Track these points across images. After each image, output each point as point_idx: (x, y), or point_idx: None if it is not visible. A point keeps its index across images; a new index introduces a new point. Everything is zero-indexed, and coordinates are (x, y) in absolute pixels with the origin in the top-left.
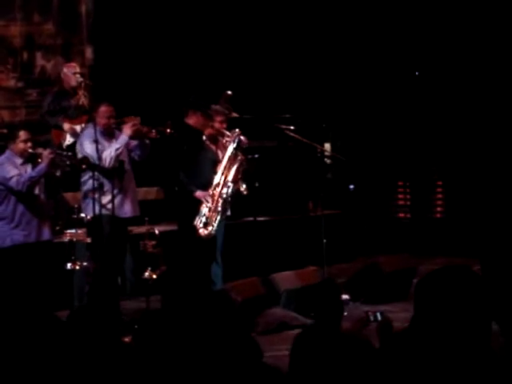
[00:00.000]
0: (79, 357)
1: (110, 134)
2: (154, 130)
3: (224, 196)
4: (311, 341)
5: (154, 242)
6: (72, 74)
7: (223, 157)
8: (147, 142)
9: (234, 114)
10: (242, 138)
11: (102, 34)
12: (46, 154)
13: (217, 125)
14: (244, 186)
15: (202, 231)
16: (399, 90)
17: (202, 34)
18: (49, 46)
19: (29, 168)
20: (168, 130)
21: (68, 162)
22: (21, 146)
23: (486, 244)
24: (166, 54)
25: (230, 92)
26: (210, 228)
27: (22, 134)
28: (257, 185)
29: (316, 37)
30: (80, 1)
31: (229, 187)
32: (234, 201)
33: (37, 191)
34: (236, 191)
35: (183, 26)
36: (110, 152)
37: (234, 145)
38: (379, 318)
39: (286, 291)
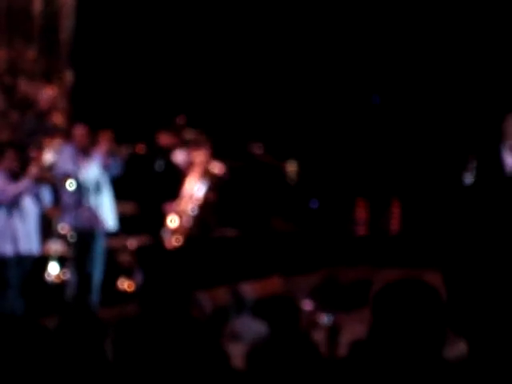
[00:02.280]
0: (67, 365)
1: (85, 152)
2: (126, 149)
3: (190, 212)
4: (265, 352)
5: (130, 255)
6: (48, 96)
7: (194, 173)
8: (121, 159)
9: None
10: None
11: (83, 58)
12: (33, 169)
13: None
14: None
15: (169, 243)
16: (359, 112)
17: (175, 59)
18: (31, 71)
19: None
20: (140, 151)
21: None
22: (8, 163)
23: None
24: (143, 77)
25: (182, 120)
26: (176, 241)
27: (10, 152)
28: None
29: (276, 61)
30: (60, 28)
31: (196, 204)
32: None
33: (27, 205)
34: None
35: (157, 52)
36: (86, 169)
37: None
38: (329, 320)
39: (253, 300)
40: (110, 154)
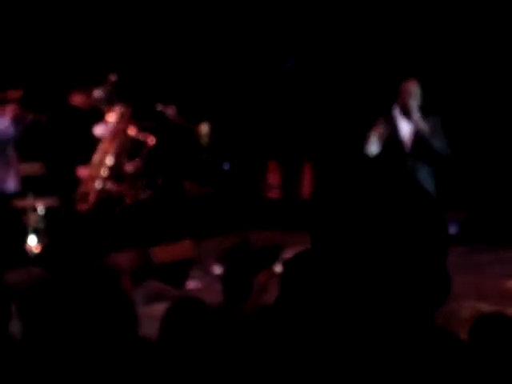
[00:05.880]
0: None
1: None
2: (30, 116)
3: (103, 175)
4: (183, 314)
5: (37, 216)
6: None
7: (105, 136)
8: (23, 125)
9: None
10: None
11: None
12: None
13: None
14: (130, 164)
15: (81, 206)
16: (271, 74)
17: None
18: None
19: None
20: (44, 120)
21: None
22: None
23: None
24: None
25: (114, 77)
26: (86, 204)
27: None
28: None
29: (189, 22)
30: None
31: (107, 167)
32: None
33: None
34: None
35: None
36: None
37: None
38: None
39: (163, 264)
40: (16, 121)
